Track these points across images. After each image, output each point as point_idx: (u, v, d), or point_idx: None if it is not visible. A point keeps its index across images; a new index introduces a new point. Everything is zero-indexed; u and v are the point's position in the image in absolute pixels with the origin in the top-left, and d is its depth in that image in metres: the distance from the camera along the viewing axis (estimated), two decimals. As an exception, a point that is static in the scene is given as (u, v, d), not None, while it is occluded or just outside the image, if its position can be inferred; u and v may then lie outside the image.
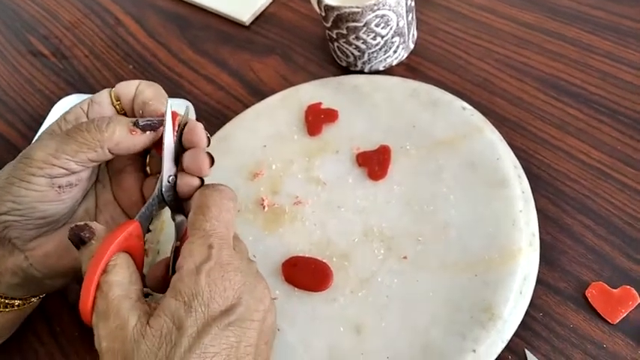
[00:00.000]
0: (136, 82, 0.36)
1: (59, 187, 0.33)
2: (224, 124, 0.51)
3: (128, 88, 0.35)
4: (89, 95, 0.60)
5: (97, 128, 0.32)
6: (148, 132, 0.33)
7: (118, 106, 0.35)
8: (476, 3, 0.55)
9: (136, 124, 0.32)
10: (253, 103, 0.52)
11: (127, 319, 0.26)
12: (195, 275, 0.27)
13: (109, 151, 0.32)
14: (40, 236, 0.34)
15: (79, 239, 0.29)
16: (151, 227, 0.48)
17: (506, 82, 0.49)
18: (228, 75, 0.58)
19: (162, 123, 0.33)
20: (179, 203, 0.33)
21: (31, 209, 0.32)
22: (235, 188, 0.43)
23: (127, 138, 0.32)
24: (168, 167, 0.32)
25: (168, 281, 0.28)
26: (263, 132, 0.48)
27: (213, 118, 0.54)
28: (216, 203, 0.30)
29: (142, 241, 0.30)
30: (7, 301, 0.36)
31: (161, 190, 0.32)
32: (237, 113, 0.53)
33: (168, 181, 0.32)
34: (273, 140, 0.47)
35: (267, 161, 0.46)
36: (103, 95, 0.35)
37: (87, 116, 0.35)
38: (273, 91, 0.54)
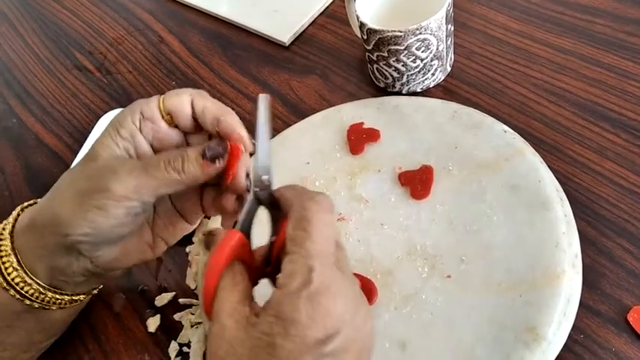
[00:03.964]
0: (186, 95, 0.36)
1: (135, 214, 0.35)
2: (265, 140, 0.53)
3: (181, 104, 0.35)
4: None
5: (175, 170, 0.33)
6: (216, 162, 0.34)
7: (167, 120, 0.36)
8: (512, 28, 0.57)
9: (204, 156, 0.33)
10: (293, 121, 0.54)
11: (225, 323, 0.27)
12: (296, 300, 0.26)
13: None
14: (107, 246, 0.36)
15: (208, 244, 0.30)
16: (194, 239, 0.50)
17: (543, 107, 0.50)
18: (269, 93, 0.59)
19: (226, 150, 0.34)
20: (274, 199, 0.32)
21: (105, 232, 0.34)
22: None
23: (200, 173, 0.34)
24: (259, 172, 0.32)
25: (262, 272, 0.30)
26: (306, 150, 0.49)
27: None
28: (317, 217, 0.29)
29: (248, 247, 0.31)
30: (73, 297, 0.39)
31: (256, 196, 0.32)
32: (277, 131, 0.54)
33: (263, 182, 0.32)
34: (316, 158, 0.48)
35: (311, 178, 0.47)
36: (153, 111, 0.35)
37: (140, 131, 0.35)
38: (312, 110, 0.56)
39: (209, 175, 0.34)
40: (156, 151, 0.37)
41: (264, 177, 0.32)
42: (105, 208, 0.33)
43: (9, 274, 0.35)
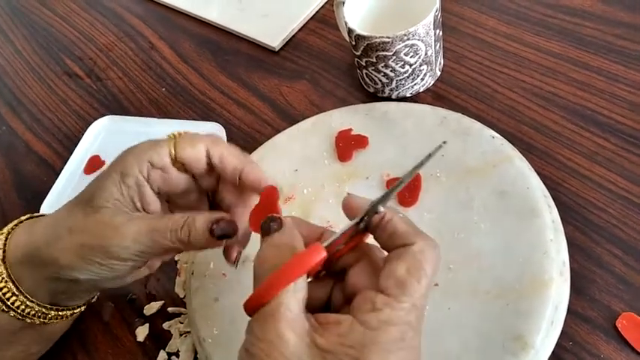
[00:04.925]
0: (202, 145, 0.34)
1: (138, 267, 0.35)
2: (254, 146, 0.53)
3: (196, 154, 0.34)
4: (123, 117, 0.62)
5: (180, 241, 0.33)
6: (223, 240, 0.33)
7: (178, 166, 0.34)
8: (501, 32, 0.57)
9: (212, 233, 0.32)
10: (283, 127, 0.54)
11: (285, 335, 0.25)
12: (385, 355, 0.24)
13: None
14: (108, 282, 0.36)
15: (268, 228, 0.29)
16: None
17: (533, 111, 0.50)
18: (258, 99, 0.59)
19: (235, 232, 0.33)
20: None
21: (107, 280, 0.35)
22: (268, 212, 0.45)
23: (205, 246, 0.33)
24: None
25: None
26: (294, 156, 0.49)
27: (244, 141, 0.56)
28: (433, 271, 0.27)
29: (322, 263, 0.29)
30: (74, 310, 0.39)
31: (363, 220, 0.29)
32: (267, 136, 0.54)
33: (376, 211, 0.29)
34: (304, 165, 0.48)
35: (299, 185, 0.47)
36: (164, 160, 0.34)
37: (147, 180, 0.34)
38: (302, 115, 0.56)
39: (213, 247, 0.34)
40: (162, 195, 0.35)
41: (382, 209, 0.29)
42: (108, 266, 0.33)
43: (8, 299, 0.35)
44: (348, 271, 0.29)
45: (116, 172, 0.33)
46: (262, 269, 0.27)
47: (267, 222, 0.29)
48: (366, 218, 0.29)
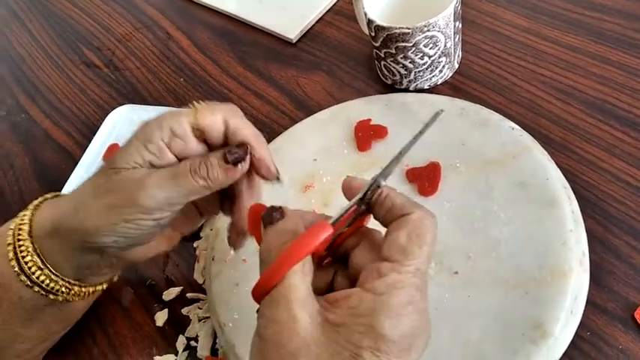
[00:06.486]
0: (221, 114, 0.34)
1: (163, 223, 0.35)
2: (272, 137, 0.53)
3: (216, 123, 0.34)
4: (142, 106, 0.62)
5: (202, 178, 0.33)
6: (239, 165, 0.34)
7: (197, 135, 0.35)
8: (520, 25, 0.57)
9: (226, 161, 0.33)
10: (300, 118, 0.54)
11: (297, 315, 0.25)
12: (398, 317, 0.25)
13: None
14: (133, 248, 0.37)
15: (270, 218, 0.29)
16: (202, 234, 0.50)
17: (551, 104, 0.50)
18: (276, 90, 0.60)
19: (247, 152, 0.34)
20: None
21: (134, 240, 0.35)
22: (287, 200, 0.45)
23: (225, 178, 0.34)
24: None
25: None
26: (313, 146, 0.49)
27: (261, 131, 0.56)
28: (432, 239, 0.27)
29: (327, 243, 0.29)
30: (96, 287, 0.40)
31: (365, 196, 0.29)
32: (284, 127, 0.54)
33: (378, 185, 0.29)
34: (323, 154, 0.48)
35: (318, 174, 0.47)
36: (185, 129, 0.34)
37: (169, 150, 0.34)
38: (319, 106, 0.56)
39: (234, 178, 0.34)
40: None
41: (383, 183, 0.30)
42: (135, 222, 0.34)
43: (33, 273, 0.36)
44: (350, 253, 0.30)
45: (138, 139, 0.34)
46: (268, 254, 0.28)
47: (269, 212, 0.30)
48: (369, 193, 0.29)
